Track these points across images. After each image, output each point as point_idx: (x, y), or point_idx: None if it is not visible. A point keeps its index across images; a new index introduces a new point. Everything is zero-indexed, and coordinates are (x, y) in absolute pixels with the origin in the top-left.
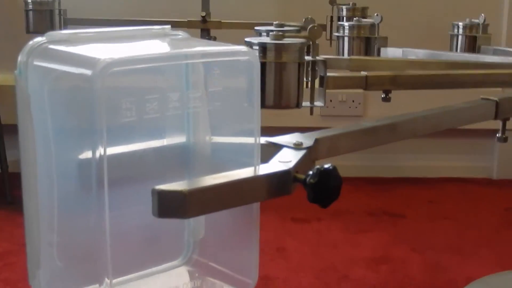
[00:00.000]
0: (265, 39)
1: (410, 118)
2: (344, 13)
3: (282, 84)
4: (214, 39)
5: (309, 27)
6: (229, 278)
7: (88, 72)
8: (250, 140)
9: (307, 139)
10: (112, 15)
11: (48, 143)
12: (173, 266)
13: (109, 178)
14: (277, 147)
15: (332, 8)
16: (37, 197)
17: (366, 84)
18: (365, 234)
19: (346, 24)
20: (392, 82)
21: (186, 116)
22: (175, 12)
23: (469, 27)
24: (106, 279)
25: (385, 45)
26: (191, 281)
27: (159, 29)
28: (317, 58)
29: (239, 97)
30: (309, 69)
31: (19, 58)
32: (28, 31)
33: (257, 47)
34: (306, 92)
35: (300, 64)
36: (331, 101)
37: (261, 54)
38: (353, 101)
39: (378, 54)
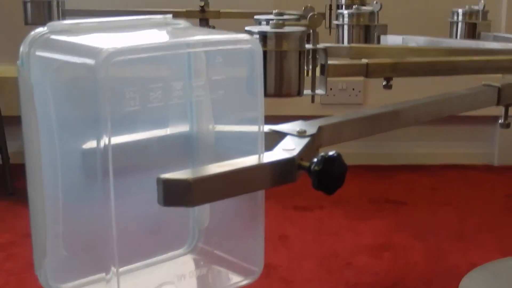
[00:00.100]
0: (265, 28)
1: (413, 105)
2: (343, 1)
3: (283, 73)
4: (213, 28)
5: (309, 16)
6: (235, 266)
7: (91, 61)
8: (253, 128)
9: (310, 127)
10: (110, 6)
11: (52, 134)
12: (178, 255)
13: (113, 167)
14: (281, 135)
15: None
16: (42, 187)
17: (367, 71)
18: (367, 221)
19: (345, 12)
20: (393, 70)
21: (189, 105)
22: (173, 2)
23: (468, 14)
24: (113, 268)
25: (385, 33)
26: (196, 269)
27: (160, 18)
28: (318, 46)
29: (242, 85)
30: (310, 57)
31: (21, 49)
32: (26, 23)
33: (257, 36)
34: (307, 80)
35: (301, 53)
36: (331, 89)
37: (261, 43)
38: (353, 89)
39: (378, 42)
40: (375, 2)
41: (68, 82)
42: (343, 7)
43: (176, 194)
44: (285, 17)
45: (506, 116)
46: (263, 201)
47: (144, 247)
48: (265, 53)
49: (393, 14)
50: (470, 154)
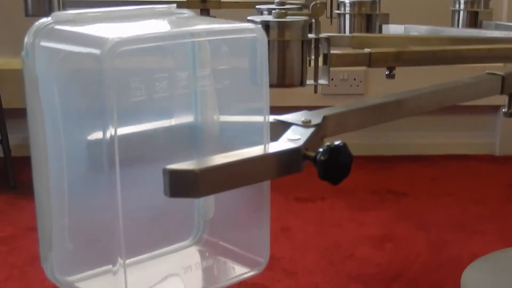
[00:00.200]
0: (268, 17)
1: (417, 94)
2: None
3: (286, 63)
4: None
5: (311, 5)
6: (240, 257)
7: (96, 51)
8: (258, 118)
9: (315, 117)
10: None
11: (57, 125)
12: (183, 246)
13: (119, 158)
14: (285, 125)
15: None
16: (47, 179)
17: (370, 61)
18: (369, 212)
19: (347, 1)
20: (396, 59)
21: (194, 95)
22: None
23: (470, 2)
24: (120, 260)
25: (387, 22)
26: (202, 261)
27: (164, 8)
28: (320, 35)
29: (247, 75)
30: (313, 47)
31: (26, 39)
32: (27, 14)
33: (260, 26)
34: (309, 71)
35: (304, 42)
36: (332, 79)
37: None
38: (354, 79)
39: (380, 31)
40: None
41: (73, 72)
42: None
43: (182, 185)
44: (287, 6)
45: (510, 104)
46: (269, 192)
47: (149, 239)
48: (267, 43)
49: (394, 3)
50: (471, 144)
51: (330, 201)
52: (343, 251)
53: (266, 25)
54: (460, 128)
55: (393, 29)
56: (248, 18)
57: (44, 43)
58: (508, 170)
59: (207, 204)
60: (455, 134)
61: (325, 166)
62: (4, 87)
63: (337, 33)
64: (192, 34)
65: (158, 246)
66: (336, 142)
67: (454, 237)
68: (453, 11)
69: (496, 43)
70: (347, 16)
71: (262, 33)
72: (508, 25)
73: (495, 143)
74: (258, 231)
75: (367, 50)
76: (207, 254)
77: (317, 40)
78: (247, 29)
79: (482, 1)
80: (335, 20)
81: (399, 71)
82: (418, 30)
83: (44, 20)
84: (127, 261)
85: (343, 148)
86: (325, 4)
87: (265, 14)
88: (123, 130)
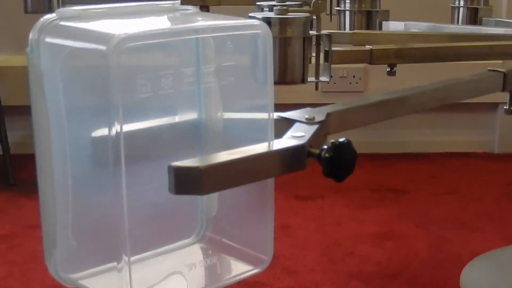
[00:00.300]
0: (269, 14)
1: (420, 91)
2: None
3: (287, 59)
4: None
5: (313, 1)
6: (244, 255)
7: (102, 47)
8: (262, 115)
9: (318, 114)
10: None
11: (61, 121)
12: (186, 244)
13: (124, 155)
14: (289, 122)
15: None
16: (52, 176)
17: (371, 58)
18: (369, 210)
19: None
20: (397, 56)
21: (198, 92)
22: None
23: None
24: (124, 257)
25: (387, 19)
26: (206, 259)
27: (169, 4)
28: (322, 32)
29: (251, 72)
30: (314, 44)
31: (30, 36)
32: (26, 11)
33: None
34: (309, 67)
35: (305, 39)
36: (331, 77)
37: None
38: (353, 76)
39: (380, 28)
40: None
41: (78, 68)
42: None
43: (187, 182)
44: (288, 3)
45: (511, 102)
46: (273, 189)
47: (153, 236)
48: None
49: None
50: (470, 141)
51: (330, 199)
52: (343, 249)
53: (267, 22)
54: (459, 126)
55: (393, 26)
56: (250, 14)
57: (49, 39)
58: (507, 168)
59: (211, 201)
60: (454, 132)
61: (329, 163)
62: (3, 85)
63: (337, 30)
64: (200, 31)
65: (161, 244)
66: (341, 139)
67: (454, 235)
68: (453, 8)
69: (497, 40)
70: (347, 13)
71: (267, 29)
72: (508, 22)
73: (494, 141)
74: (262, 228)
75: (368, 47)
76: (210, 252)
77: (318, 37)
78: (252, 25)
79: None
80: (334, 17)
81: (398, 68)
82: (419, 27)
83: (49, 16)
84: (132, 258)
85: (347, 145)
86: (325, 0)
87: (266, 11)
88: (128, 127)
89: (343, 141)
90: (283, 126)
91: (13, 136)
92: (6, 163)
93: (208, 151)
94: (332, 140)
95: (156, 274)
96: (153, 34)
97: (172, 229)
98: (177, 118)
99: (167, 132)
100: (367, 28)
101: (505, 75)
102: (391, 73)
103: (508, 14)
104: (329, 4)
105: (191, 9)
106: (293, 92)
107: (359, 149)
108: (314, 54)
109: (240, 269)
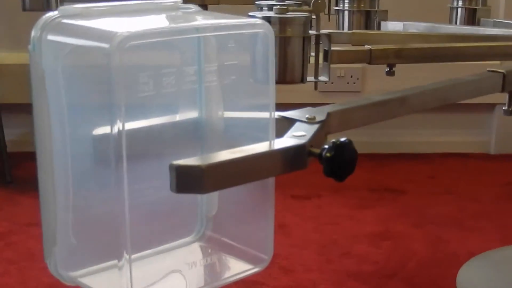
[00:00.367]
0: (269, 13)
1: (420, 91)
2: None
3: (287, 59)
4: None
5: (313, 1)
6: (244, 254)
7: (105, 45)
8: (262, 114)
9: (319, 113)
10: None
11: (63, 119)
12: (186, 243)
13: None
14: (290, 122)
15: None
16: (53, 173)
17: (371, 57)
18: (366, 210)
19: None
20: (396, 56)
21: (198, 91)
22: None
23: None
24: (125, 254)
25: (385, 19)
26: (205, 257)
27: (170, 2)
28: (321, 32)
29: (252, 71)
30: (314, 43)
31: (33, 33)
32: (24, 9)
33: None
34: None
35: (305, 38)
36: None
37: None
38: (351, 76)
39: (379, 28)
40: None
41: (80, 66)
42: None
43: (188, 180)
44: (287, 2)
45: (510, 102)
46: (273, 188)
47: (152, 234)
48: None
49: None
50: (466, 142)
51: (327, 198)
52: (340, 248)
53: (267, 21)
54: (457, 126)
55: (391, 26)
56: (249, 13)
57: (51, 37)
58: (504, 169)
59: (211, 200)
60: (451, 132)
61: (331, 162)
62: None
63: (335, 29)
64: (201, 29)
65: (160, 242)
66: (342, 139)
67: (451, 235)
68: (451, 8)
69: (496, 41)
70: (346, 13)
71: (270, 28)
72: (507, 23)
73: (491, 141)
74: (262, 227)
75: (367, 47)
76: (210, 251)
77: (317, 37)
78: (255, 24)
79: None
80: (332, 17)
81: (397, 69)
82: (417, 27)
83: (51, 14)
84: (133, 256)
85: (348, 145)
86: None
87: (265, 10)
88: (129, 125)
89: (344, 140)
90: (283, 126)
91: (10, 134)
92: (3, 161)
93: (209, 150)
94: (333, 140)
95: (155, 272)
96: (156, 32)
97: (172, 228)
98: (178, 117)
99: (168, 130)
100: (366, 28)
101: (504, 75)
102: (390, 73)
103: (506, 15)
104: (328, 3)
105: (193, 7)
106: (290, 92)
107: (357, 149)
108: (313, 54)
109: (240, 268)
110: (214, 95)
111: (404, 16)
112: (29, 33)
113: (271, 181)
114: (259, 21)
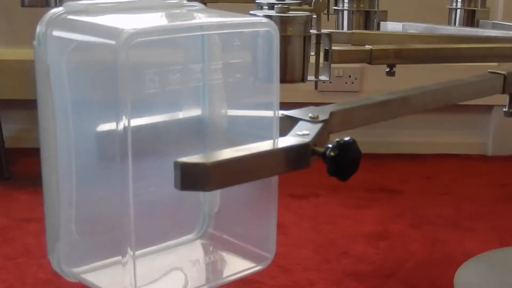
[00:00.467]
0: (270, 12)
1: (422, 92)
2: None
3: (287, 58)
4: None
5: (314, 0)
6: (246, 252)
7: (111, 42)
8: (266, 113)
9: (321, 113)
10: None
11: (67, 115)
12: (188, 240)
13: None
14: (293, 120)
15: None
16: (57, 169)
17: (371, 57)
18: (363, 210)
19: None
20: (396, 56)
21: (202, 89)
22: None
23: (467, 1)
24: (129, 251)
25: (385, 19)
26: (208, 255)
27: (175, 0)
28: (322, 31)
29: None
30: (314, 42)
31: (38, 29)
32: (23, 5)
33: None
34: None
35: (306, 38)
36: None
37: None
38: (349, 76)
39: (378, 28)
40: None
41: (85, 62)
42: None
43: (193, 178)
44: (288, 1)
45: (510, 104)
46: (276, 187)
47: (155, 231)
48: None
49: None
50: (464, 143)
51: (324, 198)
52: (337, 248)
53: None
54: (454, 127)
55: (391, 26)
56: (251, 12)
57: (56, 33)
58: (501, 170)
59: (213, 198)
60: (448, 133)
61: (334, 161)
62: None
63: (335, 29)
64: (208, 27)
65: (162, 239)
66: (346, 138)
67: (448, 235)
68: (450, 9)
69: (495, 42)
70: (345, 13)
71: (275, 27)
72: (506, 25)
73: (488, 143)
74: (265, 226)
75: (368, 47)
76: (212, 249)
77: (318, 36)
78: (260, 23)
79: (479, 0)
80: (331, 17)
81: (395, 68)
82: (416, 28)
83: (56, 9)
84: (137, 253)
85: (352, 144)
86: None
87: (265, 8)
88: (134, 122)
89: (348, 140)
90: (286, 124)
91: (7, 130)
92: (0, 157)
93: (212, 148)
94: (337, 139)
95: (158, 269)
96: (162, 29)
97: (174, 225)
98: (182, 114)
99: (172, 128)
100: (365, 28)
101: (505, 77)
102: (391, 73)
103: (505, 17)
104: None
105: (197, 5)
106: (288, 91)
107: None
108: (313, 53)
109: (242, 266)
110: (218, 93)
111: (403, 16)
112: (28, 29)
113: (274, 179)
114: (264, 19)
